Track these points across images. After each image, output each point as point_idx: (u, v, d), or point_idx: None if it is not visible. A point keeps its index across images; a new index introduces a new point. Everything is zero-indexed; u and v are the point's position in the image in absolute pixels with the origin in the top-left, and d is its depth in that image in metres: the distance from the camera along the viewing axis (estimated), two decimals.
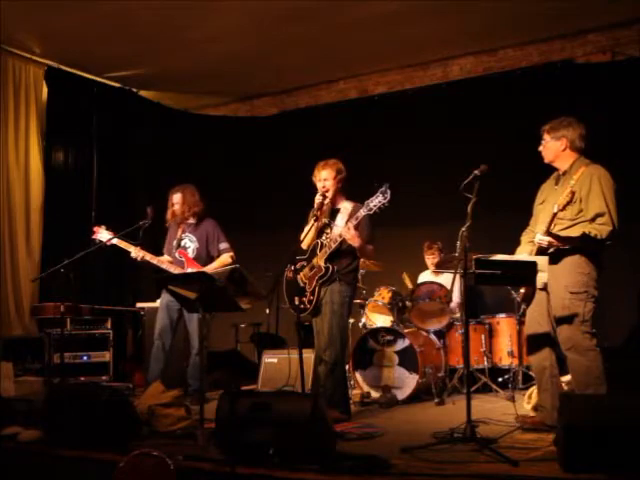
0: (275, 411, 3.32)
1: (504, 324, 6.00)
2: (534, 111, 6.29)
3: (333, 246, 4.61)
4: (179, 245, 5.61)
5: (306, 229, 4.80)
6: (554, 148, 4.09)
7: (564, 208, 3.85)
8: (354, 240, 4.51)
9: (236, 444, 3.34)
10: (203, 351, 4.45)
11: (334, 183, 4.74)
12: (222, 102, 8.88)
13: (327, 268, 4.63)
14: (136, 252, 5.42)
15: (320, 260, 4.67)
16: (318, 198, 4.71)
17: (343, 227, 4.56)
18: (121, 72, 7.75)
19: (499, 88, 7.05)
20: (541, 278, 3.91)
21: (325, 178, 4.74)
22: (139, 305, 7.01)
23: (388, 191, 4.30)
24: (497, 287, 6.06)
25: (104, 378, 6.55)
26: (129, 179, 8.12)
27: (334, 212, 4.79)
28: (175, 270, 5.45)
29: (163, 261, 5.55)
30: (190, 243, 5.62)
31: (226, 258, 5.60)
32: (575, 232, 3.87)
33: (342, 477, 3.04)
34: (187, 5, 6.13)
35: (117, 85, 8.07)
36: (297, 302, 4.52)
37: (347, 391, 4.91)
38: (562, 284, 3.92)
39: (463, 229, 3.81)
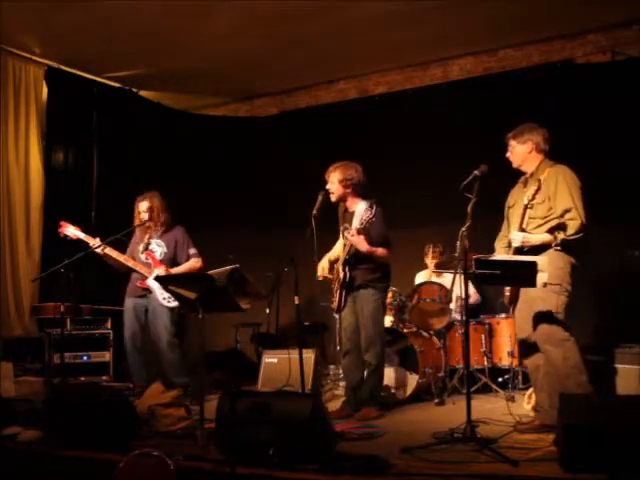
0: (275, 411, 3.33)
1: (504, 324, 6.00)
2: (534, 111, 6.31)
3: (345, 253, 4.73)
4: (146, 248, 5.59)
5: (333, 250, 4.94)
6: (521, 152, 4.21)
7: (533, 197, 3.95)
8: (360, 245, 4.60)
9: (236, 444, 3.35)
10: (202, 351, 4.44)
11: (340, 187, 4.81)
12: (222, 102, 8.88)
13: (342, 273, 4.76)
14: (95, 244, 5.41)
15: (339, 264, 4.80)
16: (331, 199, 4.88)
17: (348, 234, 4.63)
18: (121, 72, 7.75)
19: (499, 88, 7.05)
20: (541, 278, 3.91)
21: (331, 181, 4.84)
22: None
23: (374, 206, 4.49)
24: (497, 287, 6.07)
25: (104, 378, 6.54)
26: (129, 179, 8.11)
27: (351, 215, 4.87)
28: (143, 270, 5.48)
29: (129, 259, 5.55)
30: (157, 247, 5.61)
31: (196, 262, 5.61)
32: (546, 228, 3.98)
33: (342, 477, 3.05)
34: (187, 5, 6.13)
35: (117, 85, 8.07)
36: (297, 301, 4.53)
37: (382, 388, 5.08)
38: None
39: (463, 229, 3.82)
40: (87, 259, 5.27)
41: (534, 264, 3.77)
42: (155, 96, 8.44)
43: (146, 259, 5.57)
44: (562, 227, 3.94)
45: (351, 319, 4.89)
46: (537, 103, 6.52)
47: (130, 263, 5.53)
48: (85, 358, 6.54)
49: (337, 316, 5.78)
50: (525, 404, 4.66)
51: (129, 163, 8.13)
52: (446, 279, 6.20)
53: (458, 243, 3.85)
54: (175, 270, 5.49)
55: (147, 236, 5.64)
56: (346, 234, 4.65)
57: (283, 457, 3.18)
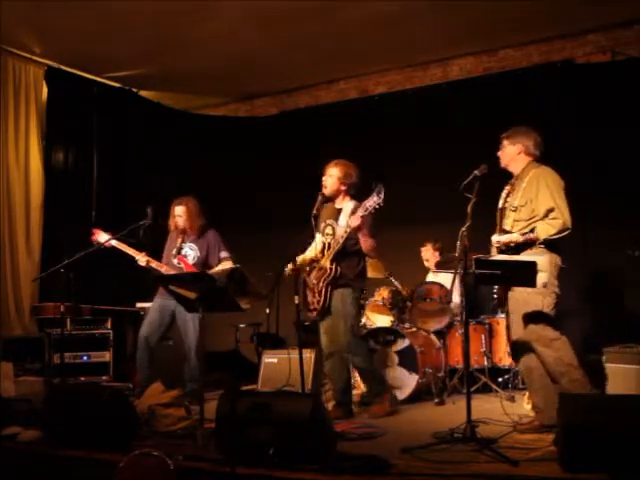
0: (275, 411, 3.32)
1: (504, 324, 5.97)
2: (534, 111, 6.31)
3: (337, 246, 4.66)
4: (179, 252, 5.59)
5: (310, 247, 4.92)
6: (510, 153, 4.25)
7: (506, 201, 4.08)
8: (357, 220, 4.50)
9: (236, 444, 3.34)
10: (201, 351, 4.44)
11: (336, 182, 4.79)
12: (222, 102, 8.88)
13: (332, 269, 4.67)
14: (142, 259, 5.43)
15: (326, 261, 4.71)
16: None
17: (349, 218, 4.58)
18: (121, 72, 7.75)
19: (499, 88, 7.05)
20: (541, 278, 3.91)
21: (330, 174, 4.81)
22: (139, 305, 7.01)
23: (382, 191, 4.37)
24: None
25: (104, 378, 6.55)
26: (129, 179, 8.12)
27: (337, 212, 4.84)
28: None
29: (169, 270, 5.52)
30: (190, 251, 5.62)
31: (227, 264, 5.59)
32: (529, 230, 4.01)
33: (342, 477, 3.05)
34: (187, 5, 6.13)
35: (117, 85, 8.07)
36: (296, 301, 4.52)
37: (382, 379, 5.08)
38: None
39: (463, 229, 3.82)
40: (87, 259, 5.27)
41: (534, 264, 3.77)
42: (155, 96, 8.44)
43: (178, 264, 5.56)
44: (533, 230, 3.98)
45: (332, 320, 4.81)
46: (537, 103, 6.52)
47: (156, 265, 5.47)
48: (85, 358, 6.54)
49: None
50: (525, 404, 4.66)
51: (129, 163, 8.14)
52: (446, 279, 6.20)
53: (458, 243, 3.85)
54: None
55: (180, 240, 5.64)
56: (349, 221, 4.57)
57: (283, 457, 3.18)
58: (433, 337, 5.95)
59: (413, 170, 7.14)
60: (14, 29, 6.51)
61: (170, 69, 7.68)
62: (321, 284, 4.71)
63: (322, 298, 4.71)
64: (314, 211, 4.68)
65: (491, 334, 6.05)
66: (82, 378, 6.34)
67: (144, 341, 5.50)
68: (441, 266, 5.84)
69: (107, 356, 6.67)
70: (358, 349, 4.79)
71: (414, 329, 5.91)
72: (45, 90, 7.37)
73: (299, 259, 4.88)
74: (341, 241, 4.64)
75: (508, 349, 5.86)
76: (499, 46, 7.26)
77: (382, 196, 4.37)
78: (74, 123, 7.64)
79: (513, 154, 4.23)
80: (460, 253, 3.81)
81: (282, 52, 7.23)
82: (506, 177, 4.36)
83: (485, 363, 5.86)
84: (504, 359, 5.92)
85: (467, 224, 3.83)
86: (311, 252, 4.96)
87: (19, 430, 4.07)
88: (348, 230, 4.58)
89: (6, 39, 6.72)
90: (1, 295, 6.72)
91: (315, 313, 4.79)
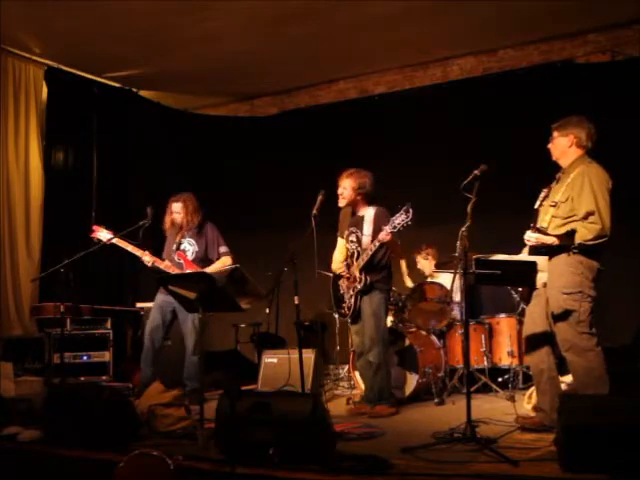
0: (275, 411, 3.32)
1: (504, 324, 6.00)
2: (534, 111, 6.32)
3: (366, 258, 4.79)
4: (178, 248, 5.65)
5: (336, 252, 5.13)
6: (561, 145, 4.10)
7: (541, 204, 4.01)
8: (393, 244, 4.73)
9: (236, 444, 3.34)
10: (201, 351, 4.45)
11: (352, 193, 4.92)
12: (222, 102, 8.89)
13: (362, 279, 4.83)
14: (148, 259, 5.47)
15: (356, 270, 4.87)
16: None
17: (381, 233, 4.64)
18: (121, 72, 7.75)
19: (499, 88, 7.05)
20: (541, 278, 3.91)
21: (344, 187, 4.93)
22: (139, 305, 7.01)
23: (410, 210, 4.45)
24: (497, 287, 6.07)
25: (104, 378, 6.54)
26: (129, 179, 8.12)
27: (359, 219, 4.95)
28: (173, 272, 5.45)
29: (169, 266, 5.59)
30: (189, 246, 5.67)
31: (226, 260, 5.65)
32: (565, 230, 3.88)
33: (342, 477, 3.05)
34: (187, 5, 6.13)
35: (117, 85, 8.07)
36: (296, 301, 4.53)
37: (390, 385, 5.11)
38: (556, 285, 3.91)
39: (463, 229, 3.81)
40: (88, 259, 5.27)
41: (534, 264, 3.77)
42: (155, 96, 8.44)
43: (178, 259, 5.62)
44: (571, 233, 3.84)
45: (361, 322, 4.97)
46: (537, 103, 6.52)
47: (164, 266, 5.54)
48: (85, 358, 6.54)
49: (336, 317, 5.81)
50: (525, 404, 4.66)
51: (129, 163, 8.14)
52: (446, 278, 6.21)
53: (458, 243, 3.84)
54: (206, 270, 5.47)
55: (179, 236, 5.69)
56: (381, 236, 4.64)
57: (283, 457, 3.18)
58: (433, 337, 5.95)
59: (413, 170, 7.14)
60: (14, 29, 6.51)
61: (170, 69, 7.68)
62: (352, 292, 4.91)
63: (353, 305, 4.91)
64: (314, 211, 4.69)
65: (491, 334, 6.04)
66: (82, 378, 6.34)
67: (148, 339, 5.54)
68: (441, 266, 5.85)
69: (107, 356, 6.67)
70: (377, 345, 4.88)
71: (414, 329, 5.91)
72: (45, 90, 7.37)
73: (335, 267, 5.10)
74: (370, 253, 4.77)
75: (508, 349, 5.87)
76: (499, 46, 7.27)
77: (410, 215, 4.44)
78: (74, 123, 7.63)
79: (564, 147, 4.07)
80: (460, 253, 3.81)
81: (282, 52, 7.24)
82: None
83: (485, 363, 5.85)
84: (504, 359, 5.91)
85: (467, 224, 3.82)
86: (340, 256, 5.11)
87: (19, 430, 4.07)
88: (377, 244, 4.70)
89: (6, 39, 6.72)
90: (1, 295, 6.72)
91: (347, 317, 5.02)
